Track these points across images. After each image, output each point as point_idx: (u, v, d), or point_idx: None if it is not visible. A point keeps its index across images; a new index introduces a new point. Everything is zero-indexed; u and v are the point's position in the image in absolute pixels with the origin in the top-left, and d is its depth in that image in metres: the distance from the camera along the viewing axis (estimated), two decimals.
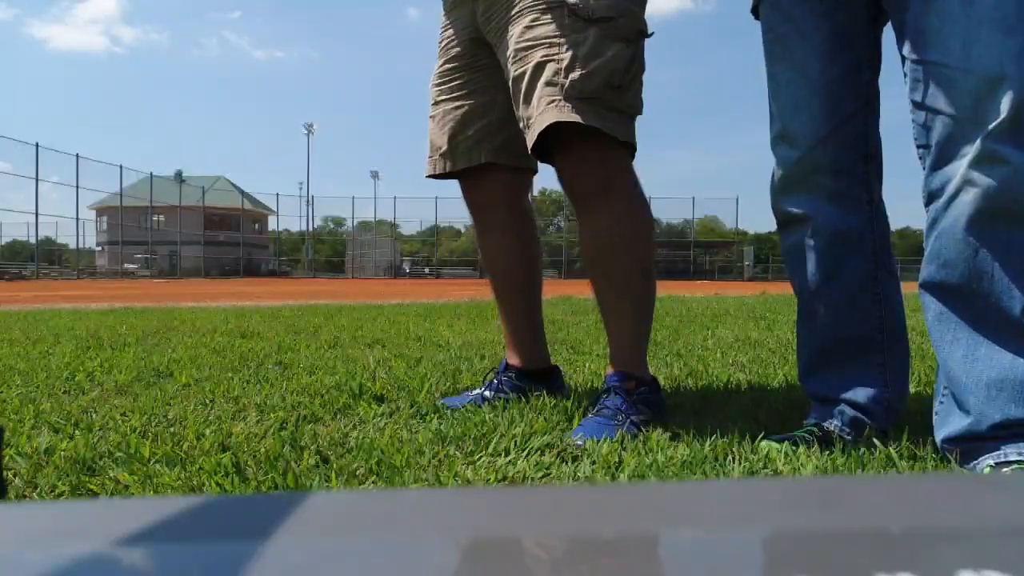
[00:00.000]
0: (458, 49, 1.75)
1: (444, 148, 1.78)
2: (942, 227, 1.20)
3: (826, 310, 1.42)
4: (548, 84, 1.49)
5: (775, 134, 1.43)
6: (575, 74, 1.47)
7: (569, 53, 1.48)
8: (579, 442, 1.36)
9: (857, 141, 1.38)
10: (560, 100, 1.47)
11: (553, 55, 1.49)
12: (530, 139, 1.54)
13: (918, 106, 1.22)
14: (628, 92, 1.53)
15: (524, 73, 1.53)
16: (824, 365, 1.44)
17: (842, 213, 1.38)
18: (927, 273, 1.25)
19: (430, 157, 1.82)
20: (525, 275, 1.90)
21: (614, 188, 1.58)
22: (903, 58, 1.26)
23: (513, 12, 1.57)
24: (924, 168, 1.23)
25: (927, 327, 1.28)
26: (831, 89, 1.35)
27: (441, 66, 1.79)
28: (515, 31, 1.56)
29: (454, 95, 1.76)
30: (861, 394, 1.40)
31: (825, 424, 1.40)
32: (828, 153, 1.36)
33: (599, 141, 1.52)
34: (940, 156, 1.19)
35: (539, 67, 1.51)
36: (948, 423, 1.23)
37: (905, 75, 1.26)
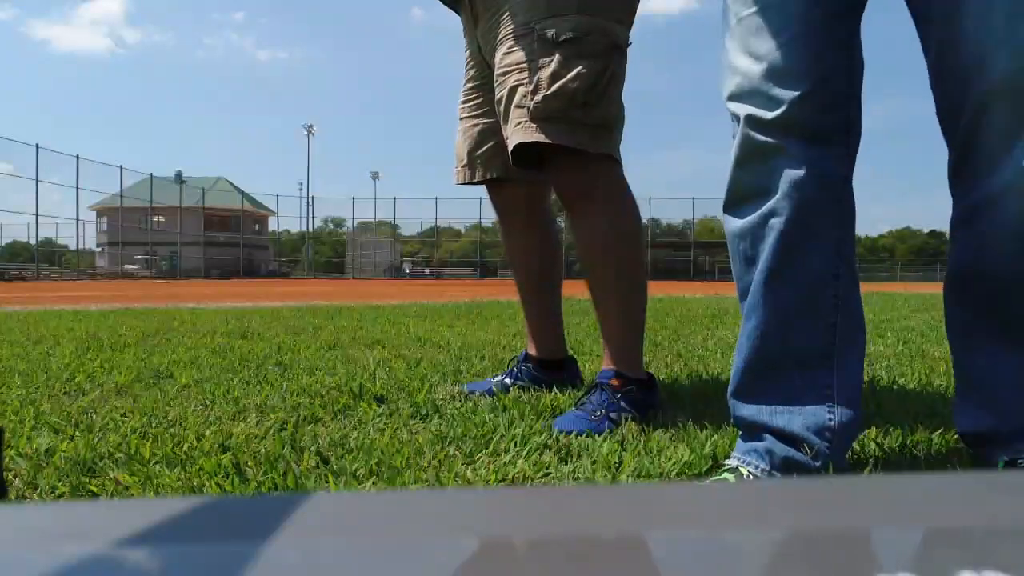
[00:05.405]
0: (475, 70, 1.91)
1: (465, 161, 1.95)
2: (995, 217, 1.08)
3: (772, 312, 1.16)
4: (517, 107, 1.62)
5: (734, 90, 1.17)
6: (538, 96, 1.58)
7: (535, 76, 1.59)
8: (555, 427, 1.46)
9: (837, 103, 1.14)
10: (526, 122, 1.59)
11: (523, 80, 1.61)
12: (510, 157, 1.68)
13: (942, 74, 1.10)
14: (597, 106, 1.60)
15: (502, 97, 1.67)
16: (759, 381, 1.18)
17: (807, 190, 1.12)
18: (963, 266, 1.15)
19: (455, 167, 2.00)
20: (545, 273, 2.04)
21: (596, 194, 1.67)
22: (917, 18, 1.14)
23: (498, 39, 1.69)
24: (953, 148, 1.12)
25: (947, 316, 1.19)
26: (811, 37, 1.11)
27: (464, 84, 1.96)
28: (498, 57, 1.69)
29: (473, 113, 1.93)
30: (797, 421, 1.13)
31: (744, 469, 1.15)
32: (803, 114, 1.11)
33: (576, 153, 1.61)
34: (975, 133, 1.07)
35: (512, 91, 1.63)
36: (967, 417, 1.18)
37: (924, 39, 1.12)
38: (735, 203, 1.20)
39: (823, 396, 1.13)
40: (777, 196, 1.13)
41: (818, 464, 1.11)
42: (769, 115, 1.12)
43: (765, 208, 1.14)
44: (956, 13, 1.06)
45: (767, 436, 1.15)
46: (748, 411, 1.18)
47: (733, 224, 1.20)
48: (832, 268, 1.15)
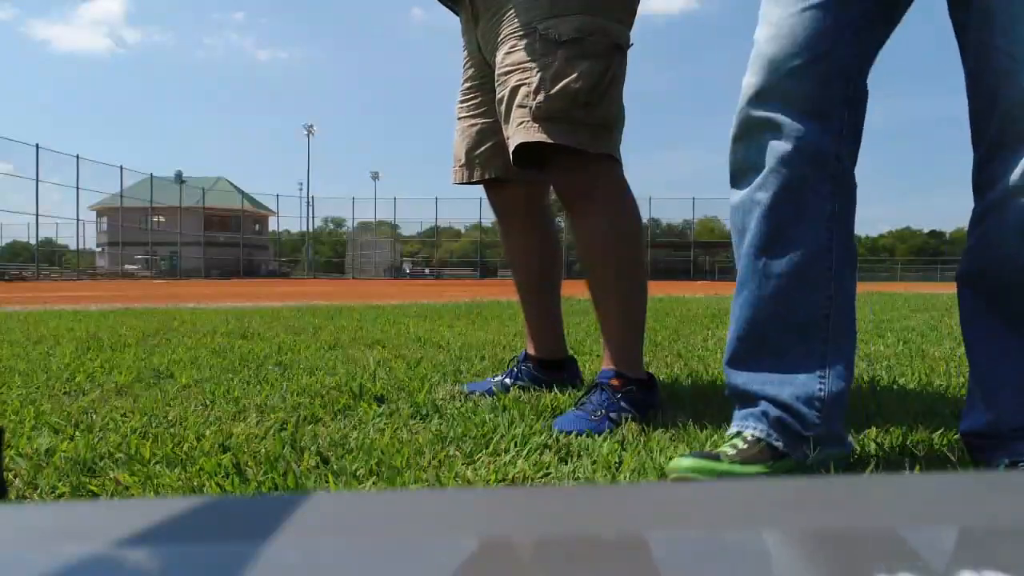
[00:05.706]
0: (473, 70, 1.90)
1: (463, 161, 1.94)
2: (1004, 217, 1.10)
3: (760, 284, 1.18)
4: (519, 106, 1.61)
5: (749, 64, 1.20)
6: (541, 96, 1.58)
7: (537, 76, 1.59)
8: (555, 427, 1.47)
9: (838, 78, 1.14)
10: (528, 121, 1.59)
11: (525, 79, 1.61)
12: (511, 157, 1.66)
13: (975, 81, 1.12)
14: (599, 106, 1.60)
15: (503, 97, 1.66)
16: (751, 350, 1.21)
17: (796, 165, 1.13)
18: (972, 263, 1.17)
19: (453, 167, 1.98)
20: (544, 273, 2.04)
21: (596, 194, 1.67)
22: (957, 26, 1.15)
23: (499, 39, 1.69)
24: (978, 150, 1.14)
25: (960, 318, 1.22)
26: (827, 13, 1.12)
27: (462, 84, 1.95)
28: (499, 57, 1.68)
29: (471, 113, 1.92)
30: (787, 391, 1.16)
31: (747, 432, 1.18)
32: (801, 86, 1.12)
33: (577, 152, 1.61)
34: (999, 140, 1.10)
35: (514, 91, 1.63)
36: (971, 416, 1.19)
37: (962, 47, 1.14)
38: (734, 178, 1.23)
39: (814, 367, 1.16)
40: (765, 171, 1.16)
41: (809, 433, 1.14)
42: (765, 82, 1.15)
43: (755, 183, 1.18)
44: (991, 24, 1.08)
45: (760, 401, 1.18)
46: (741, 379, 1.22)
47: (732, 198, 1.24)
48: (824, 242, 1.16)
